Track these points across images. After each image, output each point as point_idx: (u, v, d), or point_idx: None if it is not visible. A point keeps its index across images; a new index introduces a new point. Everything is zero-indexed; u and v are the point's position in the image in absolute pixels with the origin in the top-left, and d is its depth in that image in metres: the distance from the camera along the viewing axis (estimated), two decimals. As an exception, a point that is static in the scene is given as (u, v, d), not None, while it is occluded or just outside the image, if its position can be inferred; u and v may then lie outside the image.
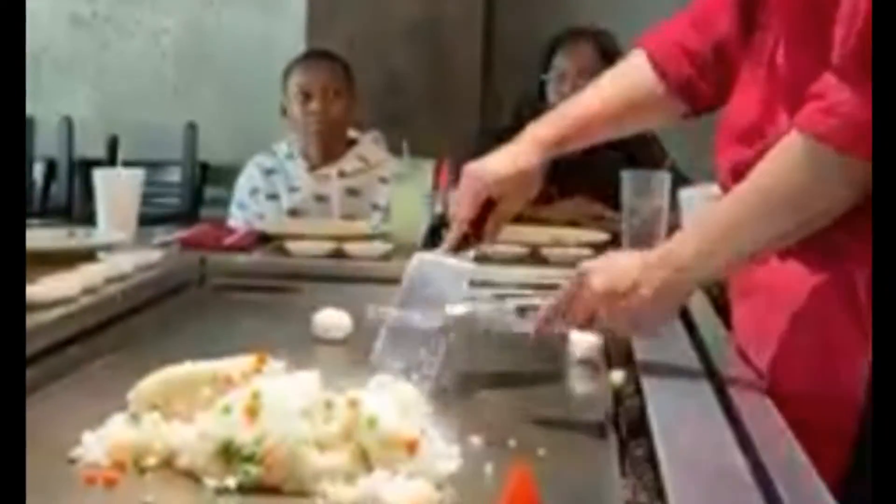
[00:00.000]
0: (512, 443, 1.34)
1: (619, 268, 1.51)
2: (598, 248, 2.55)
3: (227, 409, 1.22)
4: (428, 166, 2.63)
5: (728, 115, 1.76)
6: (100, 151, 4.96)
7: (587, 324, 1.53)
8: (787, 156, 1.45)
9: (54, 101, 5.38)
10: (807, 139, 1.43)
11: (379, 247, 2.54)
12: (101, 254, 2.23)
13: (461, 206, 1.86)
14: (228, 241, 2.59)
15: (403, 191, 2.69)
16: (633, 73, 1.91)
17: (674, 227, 2.45)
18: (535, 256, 2.48)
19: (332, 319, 1.90)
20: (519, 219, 2.91)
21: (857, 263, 1.50)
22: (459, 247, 1.80)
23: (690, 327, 1.78)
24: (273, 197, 3.51)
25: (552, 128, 1.93)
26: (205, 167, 5.32)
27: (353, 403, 1.23)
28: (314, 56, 3.68)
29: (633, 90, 1.89)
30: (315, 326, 1.90)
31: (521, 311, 1.61)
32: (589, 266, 1.53)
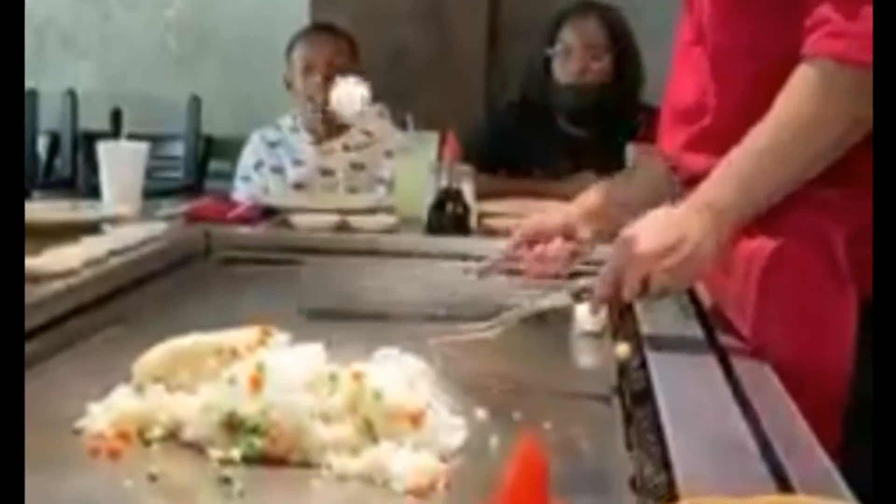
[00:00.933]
0: (517, 416, 1.34)
1: (661, 226, 1.52)
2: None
3: (231, 381, 1.22)
4: (433, 139, 2.62)
5: (668, 98, 1.80)
6: (103, 124, 4.94)
7: (643, 290, 1.52)
8: (799, 86, 1.48)
9: (58, 74, 5.36)
10: (821, 65, 1.45)
11: (383, 220, 2.53)
12: (105, 226, 2.23)
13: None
14: (233, 214, 2.59)
15: (408, 164, 2.68)
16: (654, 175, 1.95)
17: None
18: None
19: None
20: (526, 193, 2.94)
21: (834, 219, 1.51)
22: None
23: (694, 299, 1.78)
24: (277, 170, 3.50)
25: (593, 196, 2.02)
26: (208, 140, 5.30)
27: (358, 376, 1.23)
28: (318, 30, 3.67)
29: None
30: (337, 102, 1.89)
31: (577, 295, 1.63)
32: (630, 232, 1.53)
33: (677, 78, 1.80)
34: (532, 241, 1.97)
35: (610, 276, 1.54)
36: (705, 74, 1.68)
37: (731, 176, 1.52)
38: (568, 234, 1.95)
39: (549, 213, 2.06)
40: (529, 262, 1.97)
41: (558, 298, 1.68)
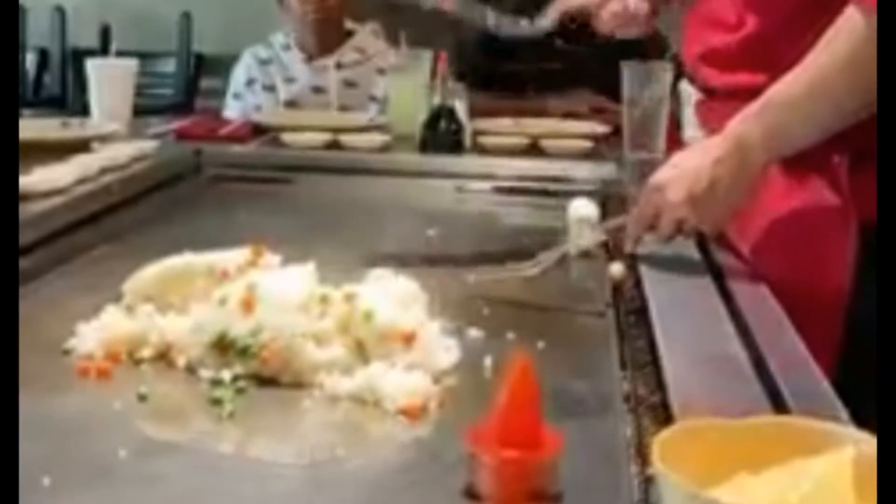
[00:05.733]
0: (510, 336, 1.33)
1: (691, 172, 1.49)
2: (599, 140, 2.53)
3: (222, 302, 1.21)
4: (426, 57, 2.59)
5: (696, 7, 1.75)
6: (93, 41, 4.89)
7: (676, 231, 1.53)
8: (848, 34, 1.42)
9: (46, -11, 5.30)
10: (871, 13, 1.39)
11: (376, 138, 2.51)
12: (95, 144, 2.20)
13: None
14: (224, 131, 2.57)
15: (401, 82, 2.65)
16: None
17: (674, 117, 2.43)
18: (534, 148, 2.46)
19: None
20: (520, 110, 2.92)
21: (836, 142, 1.49)
22: None
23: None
24: (269, 88, 3.46)
25: None
26: (200, 58, 5.25)
27: (349, 298, 1.22)
28: (310, -56, 3.61)
29: None
30: None
31: (613, 234, 1.66)
32: (660, 180, 1.52)
33: None
34: None
35: (643, 220, 1.55)
36: None
37: (760, 119, 1.48)
38: None
39: None
40: (608, 20, 1.94)
41: (595, 237, 1.71)
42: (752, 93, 1.52)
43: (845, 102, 1.44)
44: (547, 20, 2.11)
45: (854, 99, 1.43)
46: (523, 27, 2.20)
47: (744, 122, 1.49)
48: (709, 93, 1.75)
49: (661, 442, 0.80)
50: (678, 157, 1.56)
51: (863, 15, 1.40)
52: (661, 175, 1.53)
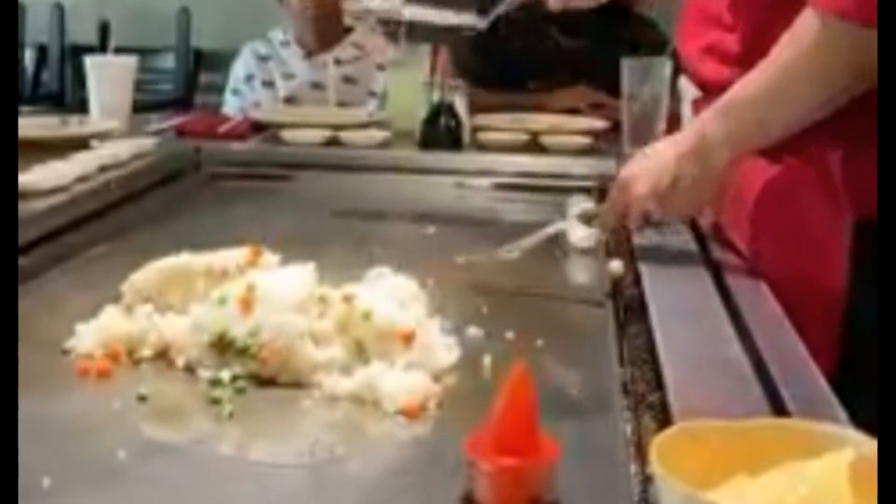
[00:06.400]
0: (510, 334, 1.33)
1: (655, 168, 1.54)
2: (598, 136, 2.53)
3: (221, 302, 1.20)
4: (425, 52, 2.59)
5: (692, 1, 1.76)
6: (91, 37, 4.88)
7: (645, 222, 1.59)
8: (801, 33, 1.44)
9: (45, -15, 5.29)
10: (825, 16, 1.40)
11: (376, 135, 2.51)
12: (94, 142, 2.20)
13: None
14: (223, 128, 2.56)
15: (400, 78, 2.65)
16: None
17: (674, 113, 2.43)
18: (533, 144, 2.45)
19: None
20: (519, 106, 2.91)
21: (830, 138, 1.49)
22: None
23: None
24: (268, 84, 3.46)
25: None
26: (199, 53, 5.25)
27: (348, 298, 1.21)
28: (308, -60, 3.60)
29: None
30: None
31: (586, 219, 1.70)
32: (627, 174, 1.57)
33: None
34: None
35: (613, 211, 1.61)
36: None
37: (724, 117, 1.51)
38: None
39: None
40: None
41: (592, 233, 1.74)
42: None
43: (798, 105, 1.47)
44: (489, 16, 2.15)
45: (806, 102, 1.46)
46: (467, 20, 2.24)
47: (710, 119, 1.52)
48: (707, 89, 1.75)
49: (659, 444, 0.80)
50: (648, 150, 1.60)
51: (817, 16, 1.41)
52: (630, 169, 1.58)
